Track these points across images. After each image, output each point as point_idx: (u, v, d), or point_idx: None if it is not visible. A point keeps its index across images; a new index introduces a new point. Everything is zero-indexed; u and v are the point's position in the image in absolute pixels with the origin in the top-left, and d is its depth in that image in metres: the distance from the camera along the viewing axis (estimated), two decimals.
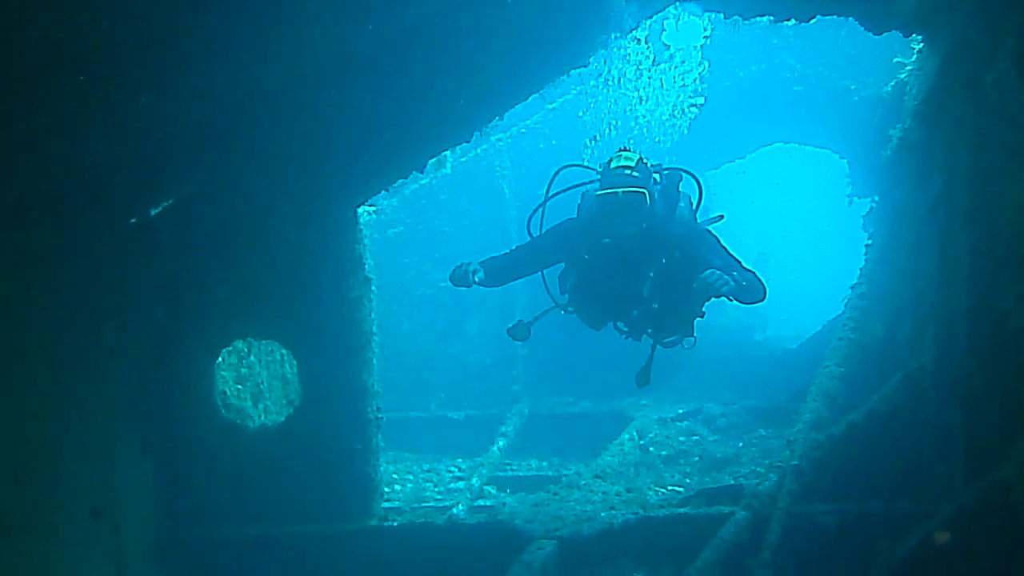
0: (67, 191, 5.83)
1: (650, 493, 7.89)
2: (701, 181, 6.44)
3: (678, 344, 6.55)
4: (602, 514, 7.02)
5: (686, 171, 6.41)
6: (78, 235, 6.30)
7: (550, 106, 12.12)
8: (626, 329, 6.45)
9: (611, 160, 6.14)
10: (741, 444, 9.60)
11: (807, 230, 27.28)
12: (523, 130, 12.31)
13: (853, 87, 11.06)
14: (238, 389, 7.74)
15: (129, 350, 6.84)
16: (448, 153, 7.62)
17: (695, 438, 9.85)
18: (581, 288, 6.32)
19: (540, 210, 6.51)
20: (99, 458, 6.49)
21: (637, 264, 6.08)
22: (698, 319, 6.43)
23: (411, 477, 9.84)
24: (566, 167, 6.57)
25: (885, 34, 6.65)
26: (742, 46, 11.69)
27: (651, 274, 6.08)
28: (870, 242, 9.30)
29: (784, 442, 8.70)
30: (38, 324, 5.99)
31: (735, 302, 5.99)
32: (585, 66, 6.80)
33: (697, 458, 9.31)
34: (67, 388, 6.20)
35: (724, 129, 12.28)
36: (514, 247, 6.66)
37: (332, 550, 6.98)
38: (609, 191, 5.95)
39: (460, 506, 7.91)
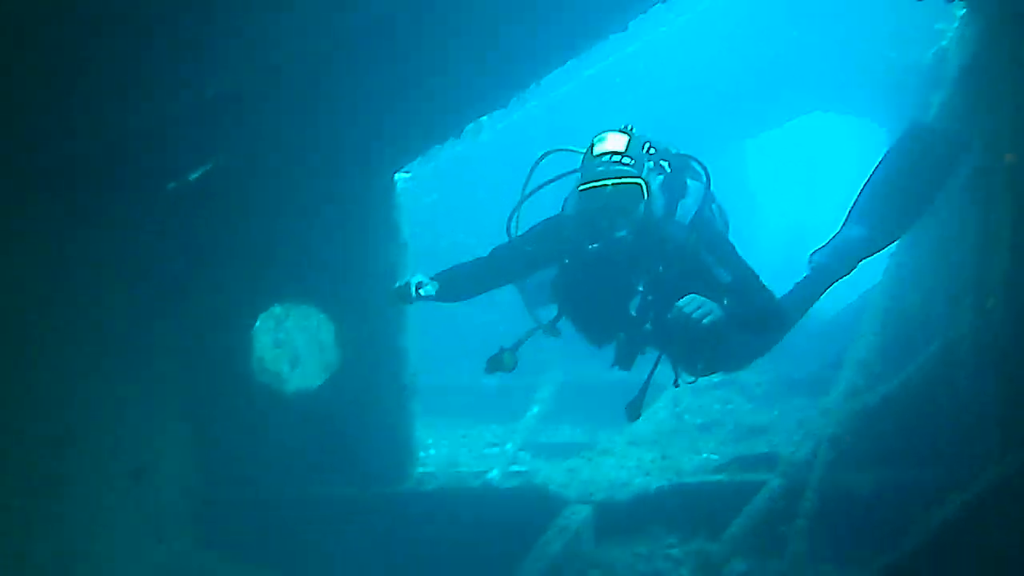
0: (110, 156, 5.87)
1: (684, 460, 7.89)
2: (709, 171, 5.36)
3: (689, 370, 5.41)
4: (636, 480, 7.05)
5: (692, 158, 5.38)
6: (120, 199, 6.37)
7: (588, 72, 12.08)
8: (620, 353, 5.23)
9: (593, 143, 4.96)
10: (776, 413, 9.57)
11: (844, 202, 27.01)
12: (557, 98, 12.24)
13: (894, 54, 10.91)
14: (275, 353, 7.81)
15: (169, 312, 6.92)
16: (485, 120, 7.60)
17: (730, 406, 9.82)
18: (567, 300, 5.29)
19: (522, 205, 5.46)
20: (139, 420, 6.59)
21: (625, 276, 4.99)
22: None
23: (446, 442, 9.89)
24: (552, 152, 5.46)
25: (926, 0, 6.56)
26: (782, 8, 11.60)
27: (641, 288, 4.97)
28: None
29: (819, 411, 8.72)
30: (82, 288, 6.08)
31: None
32: (624, 30, 6.63)
33: (732, 426, 9.29)
34: (107, 348, 6.29)
35: (763, 94, 12.17)
36: (489, 250, 5.60)
37: (367, 513, 7.06)
38: (592, 184, 4.77)
39: (494, 471, 7.95)
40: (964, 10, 7.05)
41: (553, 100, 12.07)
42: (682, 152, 5.37)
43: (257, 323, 7.44)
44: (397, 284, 5.30)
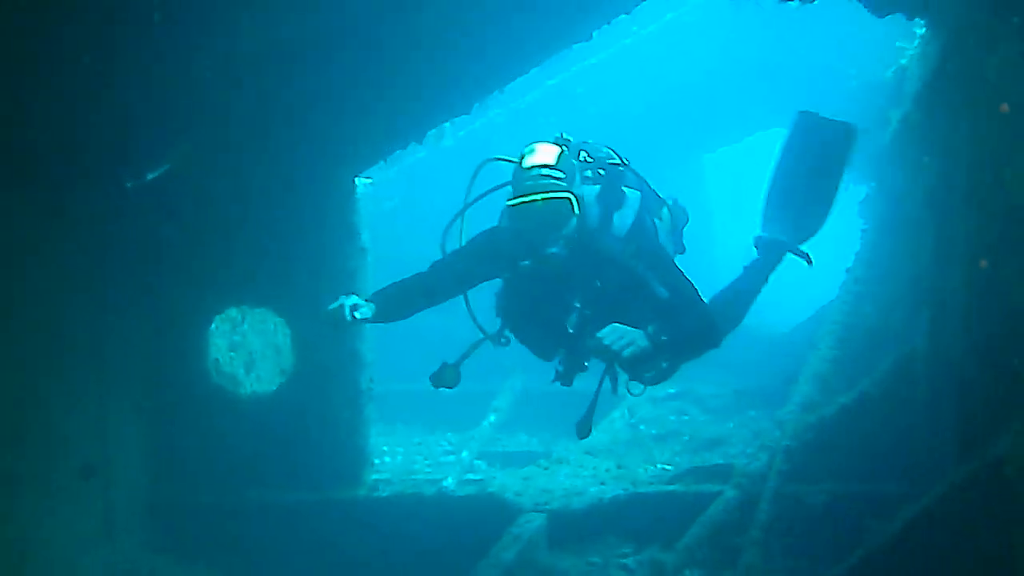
0: (69, 151, 5.79)
1: (640, 471, 7.90)
2: (646, 178, 5.15)
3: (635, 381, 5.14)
4: (591, 489, 7.05)
5: (627, 166, 5.11)
6: (78, 196, 6.29)
7: (550, 82, 12.11)
8: (562, 369, 5.08)
9: (523, 155, 4.69)
10: (731, 425, 9.64)
11: None
12: (520, 107, 12.26)
13: (853, 72, 11.04)
14: (231, 356, 7.73)
15: (126, 312, 6.83)
16: (448, 126, 7.59)
17: (685, 418, 9.87)
18: (508, 316, 5.08)
19: (462, 217, 5.26)
20: (92, 417, 6.50)
21: (561, 293, 4.78)
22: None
23: (401, 449, 9.85)
24: (490, 161, 5.16)
25: (887, 18, 6.62)
26: (744, 26, 11.68)
27: (577, 304, 4.78)
28: (866, 227, 9.31)
29: (774, 424, 8.77)
30: (39, 283, 5.99)
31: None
32: (588, 40, 6.63)
33: (687, 437, 9.34)
34: (63, 345, 6.21)
35: (723, 109, 12.26)
36: (428, 266, 5.28)
37: (321, 518, 6.99)
38: (521, 200, 4.52)
39: (450, 479, 7.91)
40: (925, 28, 7.14)
41: (516, 108, 12.09)
42: (620, 160, 5.11)
43: (213, 325, 7.36)
44: (330, 306, 4.88)
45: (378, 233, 7.71)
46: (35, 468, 5.92)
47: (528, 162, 4.61)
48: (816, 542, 6.20)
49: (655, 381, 5.26)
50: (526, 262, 4.59)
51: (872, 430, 6.60)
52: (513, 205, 4.55)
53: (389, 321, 5.23)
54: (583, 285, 4.72)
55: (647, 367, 4.96)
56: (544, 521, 6.61)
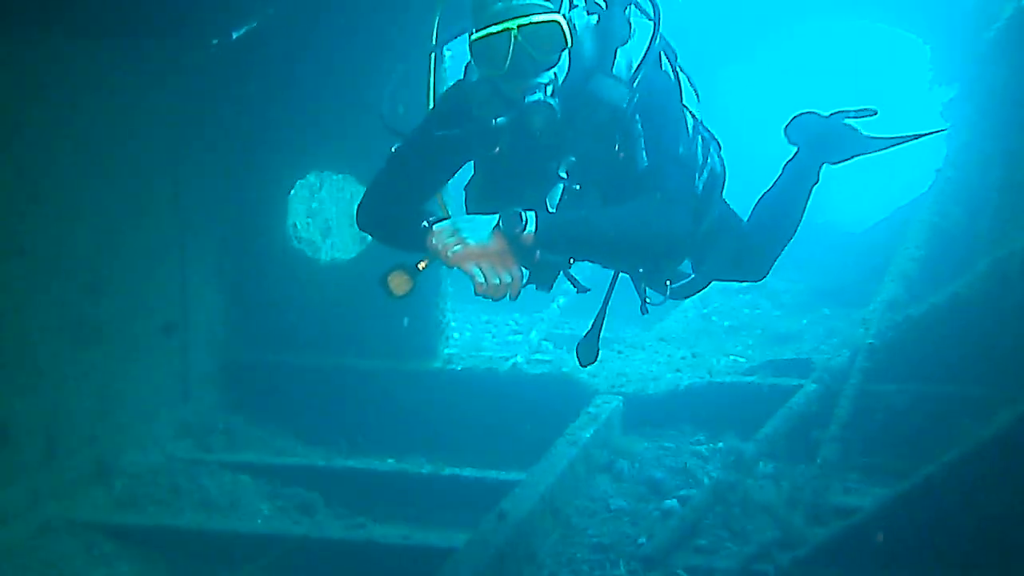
0: (153, 5, 5.67)
1: (712, 360, 7.82)
2: (658, 3, 3.41)
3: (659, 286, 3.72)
4: (667, 375, 6.98)
5: None
6: (161, 50, 6.21)
7: None
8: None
9: None
10: (805, 321, 9.48)
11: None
12: None
13: None
14: (308, 222, 7.70)
15: (207, 172, 6.80)
16: None
17: (758, 311, 9.75)
18: (480, 202, 3.45)
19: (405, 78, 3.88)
20: (172, 277, 6.53)
21: (543, 158, 3.26)
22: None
23: (469, 327, 9.85)
24: None
25: None
26: None
27: (563, 174, 3.22)
28: (946, 127, 8.99)
29: (848, 323, 8.63)
30: (120, 135, 5.95)
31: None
32: None
33: (760, 331, 9.22)
34: (144, 203, 6.21)
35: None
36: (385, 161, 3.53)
37: (395, 386, 7.04)
38: (489, 30, 3.02)
39: (519, 357, 7.89)
40: None
41: None
42: None
43: (293, 190, 7.31)
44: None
45: None
46: (116, 321, 5.99)
47: None
48: (897, 441, 6.09)
49: (681, 294, 4.02)
50: (500, 119, 3.14)
51: (962, 332, 6.40)
52: (478, 39, 3.06)
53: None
54: (573, 147, 3.25)
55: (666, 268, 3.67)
56: (620, 404, 6.56)
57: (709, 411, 6.73)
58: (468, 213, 3.30)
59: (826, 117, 4.25)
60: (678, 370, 7.14)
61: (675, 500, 5.68)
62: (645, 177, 3.14)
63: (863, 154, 4.30)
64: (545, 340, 9.22)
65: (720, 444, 6.44)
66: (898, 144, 4.31)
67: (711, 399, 6.79)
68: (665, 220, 3.06)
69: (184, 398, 6.69)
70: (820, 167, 4.27)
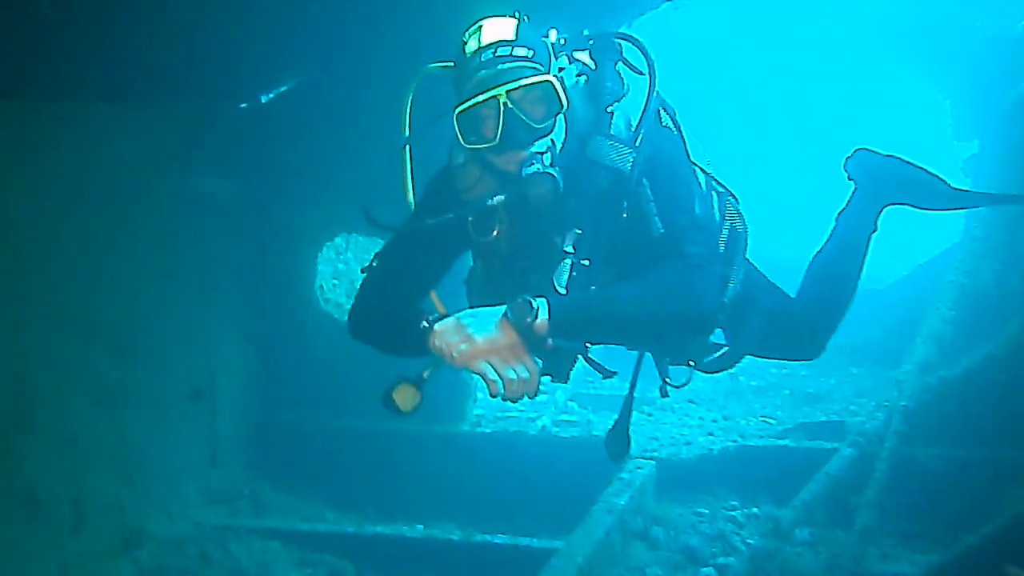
0: (182, 70, 5.70)
1: (742, 422, 7.74)
2: (651, 56, 3.04)
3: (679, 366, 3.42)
4: (700, 439, 6.91)
5: (627, 37, 3.12)
6: (189, 113, 6.23)
7: None
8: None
9: (465, 40, 2.87)
10: (833, 380, 9.40)
11: None
12: None
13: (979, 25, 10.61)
14: (335, 283, 7.69)
15: (235, 235, 6.79)
16: None
17: (785, 371, 9.67)
18: (483, 295, 3.17)
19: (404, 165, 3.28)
20: (200, 340, 6.50)
21: (546, 233, 2.95)
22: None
23: None
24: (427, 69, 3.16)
25: None
26: None
27: (570, 248, 2.87)
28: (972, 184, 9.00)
29: (876, 382, 8.56)
30: (148, 200, 5.95)
31: None
32: None
33: (788, 391, 9.14)
34: (171, 267, 6.19)
35: None
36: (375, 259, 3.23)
37: (423, 449, 6.98)
38: (476, 100, 2.75)
39: (546, 418, 7.82)
40: None
41: None
42: (609, 32, 3.14)
43: (321, 251, 7.31)
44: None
45: None
46: (144, 387, 5.95)
47: (475, 45, 2.83)
48: (934, 506, 6.00)
49: (714, 368, 3.55)
50: (497, 197, 2.84)
51: (998, 394, 6.33)
52: (464, 110, 2.78)
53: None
54: (575, 218, 2.90)
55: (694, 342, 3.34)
56: (653, 469, 6.49)
57: (742, 475, 6.68)
58: (471, 307, 2.87)
59: (885, 155, 3.92)
60: (710, 433, 7.08)
61: (712, 568, 5.60)
62: (662, 244, 2.85)
63: (949, 209, 3.93)
64: (571, 401, 9.14)
65: (755, 509, 6.36)
66: (984, 204, 4.05)
67: (744, 463, 6.75)
68: (690, 289, 2.77)
69: (211, 463, 6.63)
70: (880, 212, 3.88)
